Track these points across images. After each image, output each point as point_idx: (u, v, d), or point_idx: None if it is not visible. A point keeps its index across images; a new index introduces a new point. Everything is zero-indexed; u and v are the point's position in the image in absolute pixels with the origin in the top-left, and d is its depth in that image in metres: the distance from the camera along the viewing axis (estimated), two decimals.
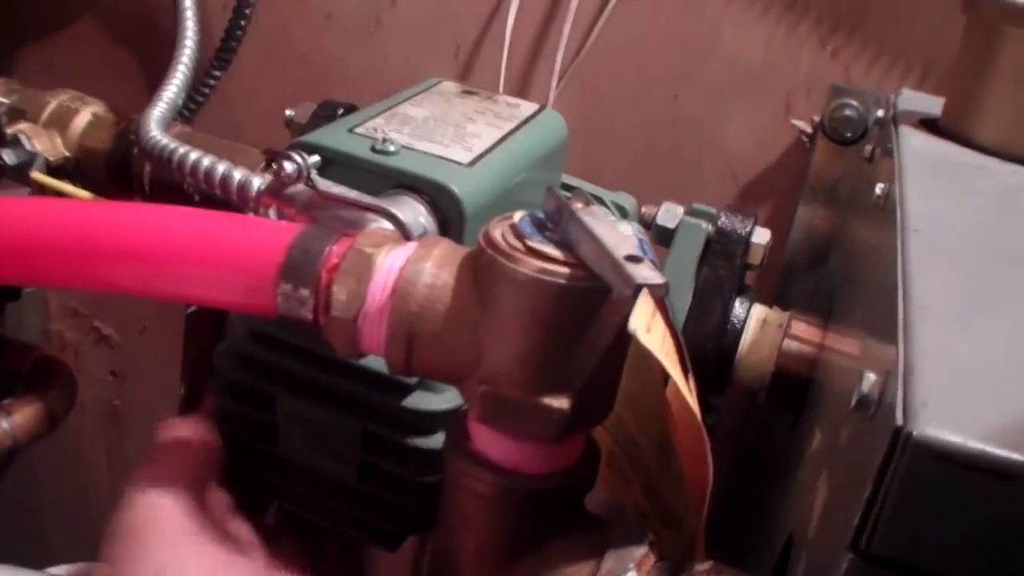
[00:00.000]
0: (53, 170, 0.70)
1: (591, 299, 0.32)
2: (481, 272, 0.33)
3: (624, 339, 0.34)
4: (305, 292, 0.34)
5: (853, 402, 0.27)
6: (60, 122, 0.71)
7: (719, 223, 0.55)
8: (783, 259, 0.70)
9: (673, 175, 0.74)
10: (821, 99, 0.68)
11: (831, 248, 0.70)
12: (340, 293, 0.33)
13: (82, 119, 0.72)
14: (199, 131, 0.71)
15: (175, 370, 0.75)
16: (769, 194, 0.72)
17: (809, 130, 0.69)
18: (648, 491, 0.44)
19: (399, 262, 0.34)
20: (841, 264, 0.61)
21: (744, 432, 0.71)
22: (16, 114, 0.72)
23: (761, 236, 0.56)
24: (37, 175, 0.66)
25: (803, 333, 0.54)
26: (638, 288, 0.29)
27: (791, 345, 0.54)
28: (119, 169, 0.70)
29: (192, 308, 0.71)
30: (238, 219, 0.37)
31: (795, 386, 0.53)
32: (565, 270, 0.31)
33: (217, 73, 0.80)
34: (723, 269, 0.55)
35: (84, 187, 0.64)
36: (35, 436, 0.80)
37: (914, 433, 0.24)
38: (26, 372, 0.84)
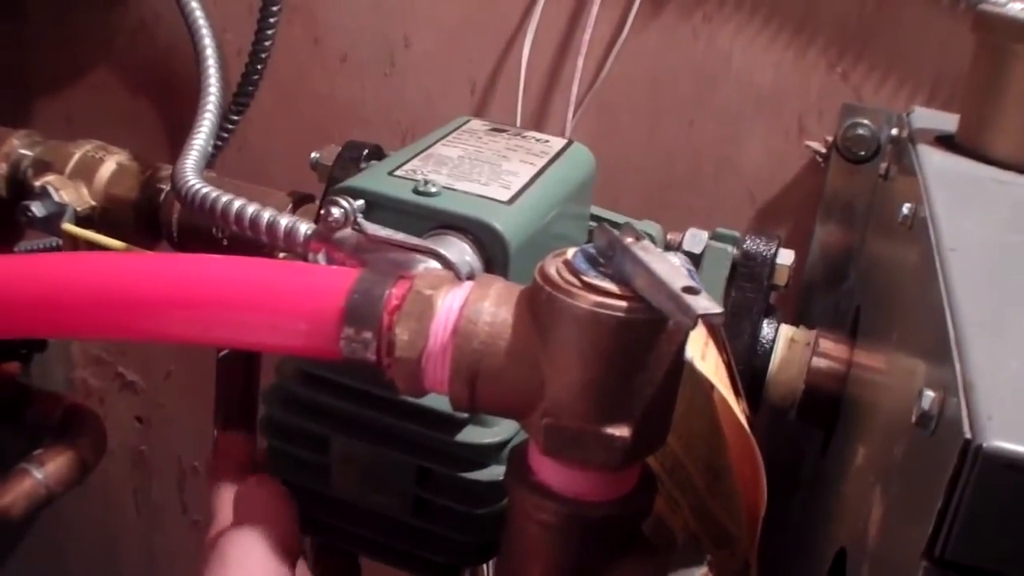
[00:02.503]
0: (80, 220, 0.71)
1: (647, 330, 0.33)
2: (539, 308, 0.34)
3: (679, 366, 0.35)
4: (368, 335, 0.35)
5: (913, 419, 0.29)
6: (85, 172, 0.72)
7: (744, 246, 0.56)
8: (802, 278, 0.72)
9: (691, 199, 0.76)
10: (832, 120, 0.69)
11: (850, 265, 0.71)
12: (403, 334, 0.34)
13: (107, 168, 0.72)
14: (220, 175, 0.72)
15: (201, 414, 0.75)
16: (786, 214, 0.74)
17: (823, 151, 0.70)
18: (697, 512, 0.45)
19: (458, 302, 0.35)
20: (865, 282, 0.62)
21: (772, 448, 0.72)
22: (42, 166, 0.73)
23: (785, 257, 0.57)
24: (68, 226, 0.67)
25: (830, 350, 0.55)
26: (698, 318, 0.30)
27: (820, 362, 0.55)
28: (146, 217, 0.71)
29: (224, 351, 0.72)
30: (295, 266, 0.38)
31: (826, 402, 0.54)
32: (622, 303, 0.32)
33: (236, 117, 0.82)
34: (750, 291, 0.56)
35: (111, 235, 0.65)
36: (68, 485, 0.81)
37: (984, 445, 0.25)
38: (55, 421, 0.85)
